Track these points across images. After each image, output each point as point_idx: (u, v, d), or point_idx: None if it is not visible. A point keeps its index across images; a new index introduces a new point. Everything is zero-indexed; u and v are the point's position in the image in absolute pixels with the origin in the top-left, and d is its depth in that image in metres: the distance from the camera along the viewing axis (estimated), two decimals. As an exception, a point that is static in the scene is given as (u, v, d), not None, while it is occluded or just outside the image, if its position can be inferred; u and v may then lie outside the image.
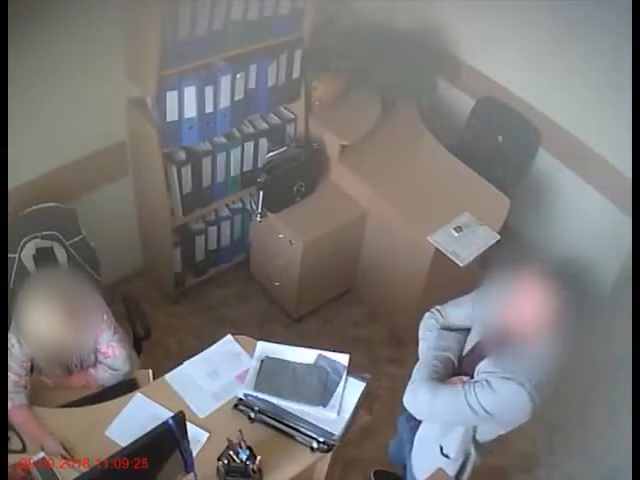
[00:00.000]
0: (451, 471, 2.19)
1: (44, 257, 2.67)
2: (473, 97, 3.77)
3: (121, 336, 2.44)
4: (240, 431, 2.11)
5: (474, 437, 2.12)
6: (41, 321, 2.07)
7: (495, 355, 1.96)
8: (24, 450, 2.17)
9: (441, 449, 2.16)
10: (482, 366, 1.97)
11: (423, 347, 2.18)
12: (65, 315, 2.07)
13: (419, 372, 2.08)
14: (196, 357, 2.46)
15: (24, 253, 2.64)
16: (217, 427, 2.25)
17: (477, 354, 2.04)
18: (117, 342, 2.41)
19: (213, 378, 2.41)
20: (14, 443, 2.17)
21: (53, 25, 2.49)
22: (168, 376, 2.41)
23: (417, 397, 2.03)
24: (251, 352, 2.46)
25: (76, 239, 2.77)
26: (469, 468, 2.20)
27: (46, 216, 2.71)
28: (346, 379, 2.36)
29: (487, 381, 1.92)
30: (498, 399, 1.91)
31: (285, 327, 3.58)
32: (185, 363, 2.45)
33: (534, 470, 3.14)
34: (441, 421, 2.13)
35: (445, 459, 2.17)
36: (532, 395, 1.87)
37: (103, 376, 2.45)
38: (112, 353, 2.41)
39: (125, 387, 2.46)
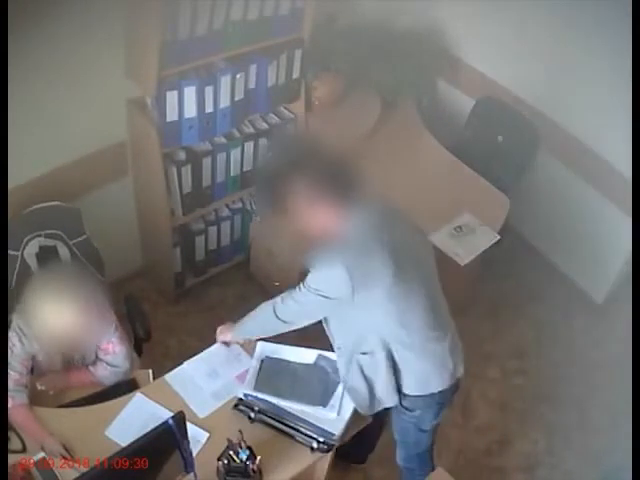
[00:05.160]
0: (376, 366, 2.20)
1: (47, 256, 2.67)
2: (473, 97, 3.77)
3: (121, 333, 2.45)
4: (240, 431, 2.11)
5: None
6: (52, 312, 2.09)
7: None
8: (24, 450, 2.17)
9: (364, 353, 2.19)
10: None
11: None
12: (75, 307, 2.10)
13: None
14: (196, 357, 2.46)
15: (27, 251, 2.64)
16: (217, 427, 2.25)
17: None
18: (117, 339, 2.41)
19: (213, 378, 2.41)
20: (14, 443, 2.17)
21: (53, 25, 2.49)
22: (168, 376, 2.41)
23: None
24: (251, 352, 2.46)
25: (80, 239, 2.77)
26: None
27: (50, 215, 2.71)
28: (346, 379, 2.35)
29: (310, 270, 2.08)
30: (320, 275, 2.04)
31: (285, 327, 3.58)
32: (185, 363, 2.44)
33: (534, 470, 3.14)
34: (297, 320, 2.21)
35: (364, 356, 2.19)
36: (347, 267, 1.96)
37: (103, 374, 2.45)
38: (112, 350, 2.41)
39: (125, 387, 2.46)
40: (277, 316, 2.18)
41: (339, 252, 2.01)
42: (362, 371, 2.20)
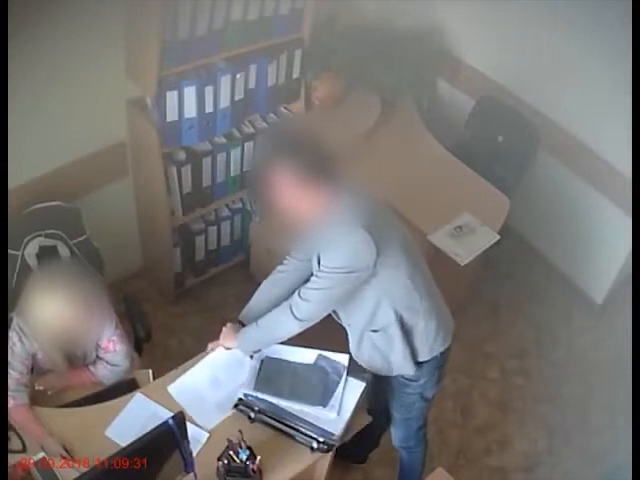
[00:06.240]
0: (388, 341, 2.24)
1: (47, 256, 2.66)
2: (473, 97, 3.78)
3: (122, 332, 2.45)
4: (240, 431, 2.11)
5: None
6: (52, 310, 2.10)
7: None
8: (24, 450, 2.17)
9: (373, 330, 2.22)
10: None
11: None
12: (75, 304, 2.11)
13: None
14: (198, 365, 2.39)
15: (27, 251, 2.64)
16: (217, 427, 2.25)
17: None
18: (118, 337, 2.42)
19: (216, 388, 2.35)
20: (14, 443, 2.17)
21: (53, 25, 2.49)
22: (170, 388, 2.34)
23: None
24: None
25: (80, 239, 2.77)
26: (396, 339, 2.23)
27: (50, 215, 2.71)
28: (346, 379, 2.35)
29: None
30: (343, 251, 2.03)
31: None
32: (186, 374, 2.38)
33: (534, 470, 3.14)
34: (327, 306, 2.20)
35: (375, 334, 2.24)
36: (366, 228, 1.99)
37: (102, 373, 2.45)
38: (113, 348, 2.42)
39: (125, 387, 2.45)
40: (295, 316, 2.14)
41: (351, 220, 2.02)
42: (375, 346, 2.25)
